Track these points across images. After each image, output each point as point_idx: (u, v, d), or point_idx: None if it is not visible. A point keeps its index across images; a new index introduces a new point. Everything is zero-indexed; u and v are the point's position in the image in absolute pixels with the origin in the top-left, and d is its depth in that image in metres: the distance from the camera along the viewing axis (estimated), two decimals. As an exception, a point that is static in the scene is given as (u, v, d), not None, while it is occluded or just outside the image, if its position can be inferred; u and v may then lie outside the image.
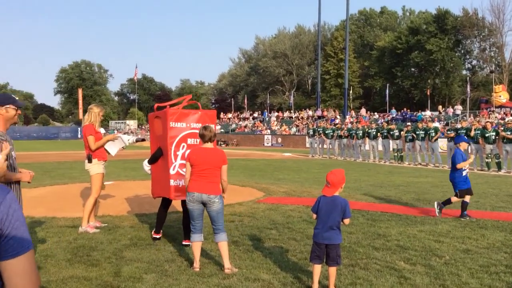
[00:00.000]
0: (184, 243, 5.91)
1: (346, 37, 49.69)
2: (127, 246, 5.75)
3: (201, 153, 4.94)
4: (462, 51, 60.98)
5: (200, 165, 4.87)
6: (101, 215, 7.62)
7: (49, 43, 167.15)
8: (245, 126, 50.00)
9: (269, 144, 42.35)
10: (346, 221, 4.23)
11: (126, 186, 10.89)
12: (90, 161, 6.61)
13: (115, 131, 65.85)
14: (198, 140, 5.76)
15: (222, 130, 50.55)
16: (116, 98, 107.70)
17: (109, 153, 6.89)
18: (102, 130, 11.28)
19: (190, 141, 5.90)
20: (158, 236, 6.04)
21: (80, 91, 65.62)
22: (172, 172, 5.82)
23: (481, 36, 57.76)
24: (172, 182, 5.82)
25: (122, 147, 7.02)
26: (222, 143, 44.51)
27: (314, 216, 4.32)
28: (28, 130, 69.79)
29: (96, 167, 6.64)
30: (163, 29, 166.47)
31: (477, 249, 5.71)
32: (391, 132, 21.01)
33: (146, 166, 6.36)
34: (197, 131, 5.74)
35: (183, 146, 5.86)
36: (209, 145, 5.03)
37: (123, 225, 6.93)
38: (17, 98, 3.94)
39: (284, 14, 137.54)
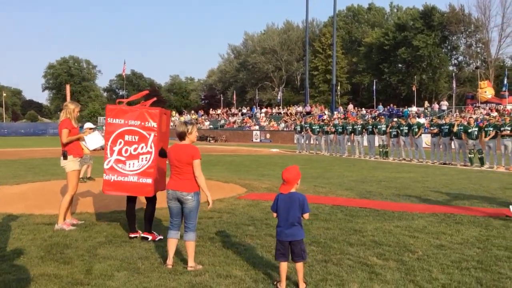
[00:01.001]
0: (131, 235, 6.00)
1: (334, 33, 49.84)
2: (102, 243, 5.73)
3: (174, 150, 4.95)
4: (449, 47, 61.51)
5: (174, 162, 4.90)
6: (79, 212, 7.59)
7: (37, 38, 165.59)
8: (234, 122, 49.99)
9: (258, 140, 42.42)
10: (306, 215, 4.24)
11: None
12: (65, 157, 6.56)
13: (103, 128, 65.56)
14: (137, 137, 5.88)
15: (211, 126, 50.51)
16: (105, 94, 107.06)
17: (87, 148, 6.90)
18: (91, 125, 11.27)
19: (127, 137, 5.92)
20: (134, 235, 6.02)
21: (68, 87, 64.41)
22: (106, 166, 5.93)
23: (468, 32, 58.30)
24: (104, 176, 5.95)
25: (101, 147, 6.98)
26: (211, 139, 44.48)
27: (274, 214, 4.33)
28: (16, 126, 69.23)
29: (71, 164, 6.60)
30: (152, 24, 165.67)
31: (450, 245, 5.77)
32: (378, 127, 21.10)
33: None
34: (135, 128, 5.87)
35: (120, 142, 5.91)
36: (185, 142, 4.98)
37: (99, 222, 6.91)
38: None
39: (272, 10, 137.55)
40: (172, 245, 4.96)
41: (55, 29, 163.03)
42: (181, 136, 4.96)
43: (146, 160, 5.89)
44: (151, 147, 5.89)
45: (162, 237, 5.88)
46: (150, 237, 5.92)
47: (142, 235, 5.99)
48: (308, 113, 45.48)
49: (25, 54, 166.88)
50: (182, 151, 4.89)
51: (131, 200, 6.25)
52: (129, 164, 5.92)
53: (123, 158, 5.93)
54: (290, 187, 4.23)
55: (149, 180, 5.89)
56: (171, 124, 6.16)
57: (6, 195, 9.06)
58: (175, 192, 4.87)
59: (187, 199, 4.85)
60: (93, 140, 6.99)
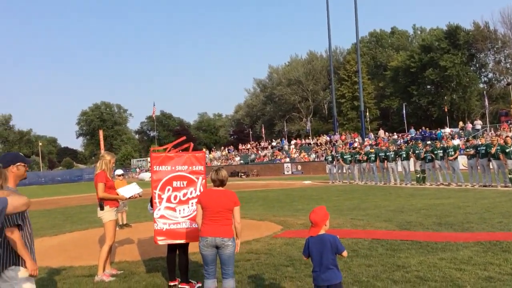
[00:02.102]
0: (170, 284, 5.91)
1: (358, 59, 49.87)
2: (142, 294, 5.72)
3: (211, 195, 4.87)
4: (477, 65, 60.53)
5: (211, 208, 4.80)
6: (118, 261, 7.62)
7: (69, 88, 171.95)
8: (265, 156, 50.02)
9: (289, 172, 42.20)
10: (344, 254, 4.12)
11: (145, 228, 10.89)
12: (102, 208, 6.67)
13: (137, 170, 66.87)
14: (185, 182, 5.87)
15: (242, 161, 50.65)
16: (136, 136, 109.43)
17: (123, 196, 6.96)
18: (120, 171, 11.48)
19: (175, 183, 5.92)
20: (174, 284, 5.98)
21: (101, 132, 66.89)
22: (155, 215, 5.87)
23: (495, 49, 57.35)
24: (155, 226, 5.87)
25: (139, 194, 7.07)
26: (242, 174, 44.54)
27: (305, 258, 4.24)
28: (52, 174, 71.21)
29: (108, 214, 6.70)
30: (178, 65, 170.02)
31: (500, 276, 5.50)
32: (416, 152, 20.64)
33: (150, 210, 6.36)
34: (183, 173, 5.87)
35: (169, 189, 5.89)
36: (220, 188, 4.98)
37: (138, 271, 6.91)
38: (23, 156, 4.16)
39: (295, 41, 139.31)
40: None
41: (86, 77, 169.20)
42: (222, 184, 4.95)
43: (196, 205, 5.82)
44: (200, 191, 5.87)
45: (200, 285, 5.81)
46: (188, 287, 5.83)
47: (179, 286, 5.88)
48: (337, 141, 45.16)
49: (58, 102, 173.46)
50: (223, 197, 4.84)
51: (173, 248, 6.12)
52: (179, 210, 5.89)
53: (172, 205, 5.90)
54: (319, 229, 4.13)
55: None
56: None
57: (46, 247, 9.21)
58: (214, 238, 4.75)
59: (227, 245, 4.76)
60: (129, 190, 7.05)
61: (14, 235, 3.59)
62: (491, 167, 17.47)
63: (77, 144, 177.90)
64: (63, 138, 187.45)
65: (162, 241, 5.92)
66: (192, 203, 5.86)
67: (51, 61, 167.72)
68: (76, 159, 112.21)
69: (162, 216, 5.88)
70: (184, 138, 6.70)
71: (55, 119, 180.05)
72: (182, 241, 5.96)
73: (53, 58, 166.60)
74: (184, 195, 5.90)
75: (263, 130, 63.38)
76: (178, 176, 5.93)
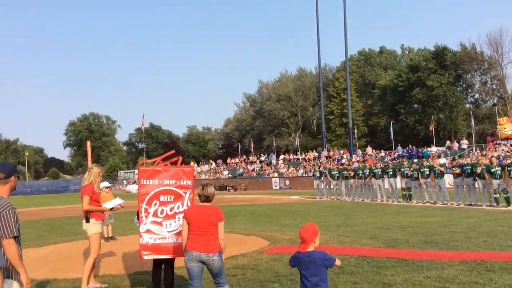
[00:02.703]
0: None
1: (347, 77, 50.41)
2: (126, 308, 5.66)
3: (197, 211, 4.97)
4: (464, 85, 61.50)
5: (196, 223, 4.88)
6: (102, 274, 7.55)
7: (57, 97, 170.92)
8: (253, 170, 50.00)
9: (277, 187, 42.22)
10: (337, 263, 4.12)
11: (130, 241, 10.79)
12: (88, 221, 6.63)
13: (124, 182, 66.39)
14: (172, 196, 5.83)
15: (230, 175, 50.57)
16: (124, 148, 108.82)
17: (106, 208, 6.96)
18: (107, 184, 11.40)
19: (162, 198, 5.88)
20: None
21: (88, 143, 66.41)
22: (141, 229, 5.83)
23: (481, 70, 58.36)
24: (141, 240, 5.82)
25: (120, 205, 7.07)
26: (230, 188, 44.44)
27: (290, 266, 4.27)
28: (38, 184, 70.44)
29: (94, 227, 6.65)
30: (168, 77, 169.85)
31: (484, 295, 5.55)
32: (402, 169, 20.84)
33: (137, 222, 6.33)
34: (171, 188, 5.83)
35: (155, 203, 5.85)
36: (205, 203, 5.07)
37: (123, 285, 6.84)
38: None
39: (285, 57, 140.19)
40: None
41: (75, 87, 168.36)
42: (208, 200, 5.05)
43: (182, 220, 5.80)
44: (187, 206, 5.83)
45: None
46: None
47: None
48: (326, 157, 45.36)
49: (46, 112, 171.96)
50: (209, 212, 4.94)
51: (159, 263, 6.06)
52: (165, 225, 5.83)
53: (159, 220, 5.84)
54: (307, 245, 4.15)
55: None
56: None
57: (30, 259, 9.05)
58: (199, 254, 4.83)
59: (213, 260, 4.85)
60: (111, 202, 7.06)
61: (12, 247, 3.54)
62: (476, 186, 17.67)
63: (64, 154, 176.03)
64: (50, 148, 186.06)
65: (147, 256, 5.85)
66: (179, 217, 5.80)
67: (40, 69, 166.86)
68: (62, 170, 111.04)
69: (148, 231, 5.82)
70: (173, 151, 6.67)
71: (42, 129, 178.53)
72: (168, 256, 5.90)
73: (41, 66, 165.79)
74: (171, 209, 5.85)
75: (252, 144, 63.44)
76: (166, 190, 5.89)
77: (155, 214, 5.84)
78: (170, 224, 5.84)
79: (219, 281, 4.99)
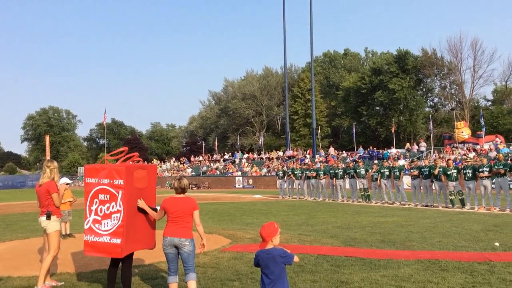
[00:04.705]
0: None
1: (312, 78, 50.97)
2: (83, 307, 5.56)
3: (173, 202, 5.49)
4: (424, 90, 63.27)
5: (173, 212, 5.41)
6: (59, 272, 7.37)
7: (15, 90, 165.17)
8: (216, 168, 49.87)
9: (241, 186, 42.28)
10: (295, 259, 4.22)
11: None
12: (49, 218, 6.48)
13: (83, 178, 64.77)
14: (108, 195, 5.76)
15: (194, 173, 50.26)
16: (85, 144, 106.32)
17: None
18: (67, 180, 11.11)
19: (101, 196, 5.80)
20: None
21: (47, 138, 64.47)
22: (85, 226, 5.83)
23: (441, 75, 60.20)
24: (84, 237, 5.83)
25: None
26: (193, 186, 44.19)
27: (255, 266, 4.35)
28: (-8, 179, 67.86)
29: (55, 224, 6.55)
30: (132, 72, 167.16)
31: (437, 293, 5.74)
32: (357, 171, 21.33)
33: None
34: (106, 187, 5.77)
35: (96, 202, 5.81)
36: (181, 195, 5.56)
37: (80, 283, 6.71)
38: None
39: (251, 57, 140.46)
40: None
41: (34, 80, 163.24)
42: (183, 191, 5.53)
43: (117, 219, 5.69)
44: (120, 206, 5.69)
45: None
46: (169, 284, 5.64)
47: None
48: (290, 157, 45.75)
49: (3, 105, 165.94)
50: (184, 203, 5.47)
51: (116, 262, 5.96)
52: (104, 223, 5.75)
53: (99, 218, 5.78)
54: (266, 243, 4.24)
55: (118, 241, 5.63)
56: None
57: (-18, 256, 8.78)
58: (172, 239, 5.33)
59: (184, 245, 5.33)
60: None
61: None
62: (433, 188, 18.24)
63: (21, 149, 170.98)
64: (7, 142, 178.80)
65: (89, 253, 5.86)
66: (114, 217, 5.71)
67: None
68: (19, 165, 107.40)
69: (90, 228, 5.80)
70: (126, 149, 6.54)
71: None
72: (101, 255, 5.86)
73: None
74: (108, 208, 5.76)
75: (216, 142, 63.29)
76: (103, 189, 5.81)
77: (96, 213, 5.80)
78: (107, 223, 5.74)
79: (188, 267, 5.37)
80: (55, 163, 6.82)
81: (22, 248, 9.83)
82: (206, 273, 7.13)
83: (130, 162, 6.32)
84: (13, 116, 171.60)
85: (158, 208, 5.73)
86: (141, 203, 5.81)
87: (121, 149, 6.52)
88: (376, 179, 20.12)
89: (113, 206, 5.74)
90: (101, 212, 5.79)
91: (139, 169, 6.06)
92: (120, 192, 5.70)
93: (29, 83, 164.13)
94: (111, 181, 5.76)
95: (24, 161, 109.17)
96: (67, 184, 11.02)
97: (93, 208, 5.82)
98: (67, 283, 6.71)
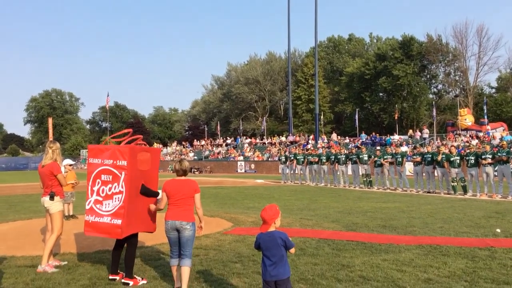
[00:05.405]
0: (110, 277, 5.87)
1: (316, 63, 50.64)
2: (86, 286, 5.60)
3: (174, 184, 5.38)
4: (428, 76, 62.84)
5: (174, 195, 5.32)
6: (62, 252, 7.43)
7: (18, 72, 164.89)
8: (219, 153, 49.92)
9: (243, 171, 42.34)
10: (292, 250, 4.25)
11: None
12: (52, 198, 6.53)
13: (86, 160, 64.85)
14: (111, 176, 5.78)
15: (196, 157, 50.36)
16: (88, 127, 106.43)
17: None
18: (70, 161, 11.14)
19: (103, 177, 5.83)
20: (114, 277, 5.86)
21: (50, 120, 64.50)
22: (87, 207, 5.86)
23: (446, 61, 59.73)
24: (85, 217, 5.88)
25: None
26: (195, 170, 44.29)
27: (256, 249, 4.35)
28: (-5, 161, 68.13)
29: (58, 205, 6.62)
30: (135, 56, 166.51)
31: (438, 278, 5.77)
32: (360, 157, 21.30)
33: None
34: (109, 168, 5.80)
35: (98, 182, 5.84)
36: (182, 177, 5.44)
37: (83, 263, 6.76)
38: None
39: (255, 41, 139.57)
40: (177, 272, 5.38)
41: (37, 61, 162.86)
42: (184, 174, 5.42)
43: (118, 200, 5.70)
44: (122, 187, 5.70)
45: (146, 282, 5.75)
46: (131, 283, 5.65)
47: (123, 280, 5.72)
48: (292, 142, 45.72)
49: (6, 87, 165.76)
50: (185, 185, 5.37)
51: (121, 244, 5.99)
52: (105, 204, 5.78)
53: (100, 199, 5.82)
54: (268, 226, 4.23)
55: (119, 221, 5.65)
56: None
57: (-14, 236, 8.85)
58: (174, 222, 5.26)
59: (185, 228, 5.25)
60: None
61: None
62: (435, 174, 18.22)
63: (24, 131, 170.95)
64: (10, 124, 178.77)
65: (89, 233, 5.91)
66: (116, 198, 5.73)
67: (1, 42, 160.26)
68: (22, 147, 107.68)
69: (91, 208, 5.85)
70: (130, 130, 6.55)
71: (2, 104, 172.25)
72: (105, 236, 5.90)
73: (2, 39, 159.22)
74: (110, 189, 5.78)
75: (218, 127, 63.24)
76: (105, 170, 5.83)
77: (98, 193, 5.84)
78: (108, 204, 5.77)
79: (184, 252, 5.28)
80: (58, 144, 6.83)
81: (25, 228, 9.90)
82: (208, 255, 7.17)
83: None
84: (16, 98, 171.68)
85: (160, 191, 5.72)
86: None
87: (125, 130, 6.53)
88: (379, 165, 20.06)
89: (115, 187, 5.75)
90: (103, 192, 5.81)
91: (142, 152, 6.07)
92: (123, 173, 5.71)
93: (33, 65, 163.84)
94: (114, 162, 5.77)
95: (27, 143, 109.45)
96: (70, 165, 11.04)
97: (95, 188, 5.85)
98: (70, 263, 6.77)
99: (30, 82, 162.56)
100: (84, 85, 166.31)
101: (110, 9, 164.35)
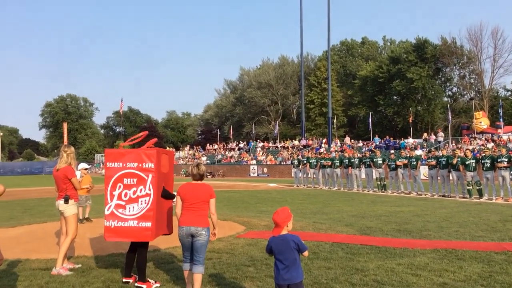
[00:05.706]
0: (124, 280, 5.86)
1: (329, 66, 50.49)
2: (99, 289, 5.62)
3: (190, 188, 5.26)
4: (443, 79, 62.29)
5: (189, 200, 5.19)
6: (76, 255, 7.47)
7: (34, 77, 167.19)
8: (231, 157, 49.98)
9: (255, 175, 42.32)
10: (305, 254, 4.20)
11: (105, 223, 10.71)
12: (67, 202, 6.58)
13: (101, 165, 65.59)
14: (135, 179, 5.75)
15: (208, 161, 50.46)
16: (102, 131, 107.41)
17: None
18: (86, 165, 11.24)
19: (126, 181, 5.77)
20: (127, 280, 5.88)
21: (65, 125, 65.36)
22: (106, 212, 5.77)
23: (460, 64, 59.17)
24: (105, 223, 5.78)
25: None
26: (208, 174, 44.36)
27: (268, 254, 4.32)
28: (12, 165, 69.09)
29: (72, 208, 6.67)
30: (149, 61, 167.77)
31: (453, 283, 5.68)
32: (374, 160, 21.14)
33: None
34: (133, 171, 5.75)
35: (119, 186, 5.77)
36: (198, 181, 5.36)
37: (97, 266, 6.80)
38: None
39: (267, 45, 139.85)
40: (189, 276, 5.32)
41: (53, 67, 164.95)
42: (201, 178, 5.34)
43: (145, 203, 5.68)
44: (149, 189, 5.70)
45: (159, 285, 5.75)
46: (144, 286, 5.66)
47: (136, 284, 5.73)
48: (305, 146, 45.59)
49: (22, 92, 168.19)
50: (201, 190, 5.26)
51: (134, 248, 5.99)
52: (129, 208, 5.73)
53: (123, 203, 5.75)
54: (281, 229, 4.19)
55: (149, 224, 5.65)
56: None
57: (1, 239, 8.93)
58: (189, 228, 5.14)
59: (201, 234, 5.14)
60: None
61: None
62: (451, 178, 18.02)
63: (39, 136, 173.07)
64: (25, 129, 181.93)
65: (110, 238, 5.82)
66: (141, 201, 5.71)
67: (17, 48, 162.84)
68: (37, 151, 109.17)
69: (112, 213, 5.75)
70: (146, 133, 6.57)
71: (17, 109, 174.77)
72: (130, 240, 5.86)
73: (19, 45, 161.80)
74: (134, 192, 5.74)
75: (231, 131, 63.33)
76: (129, 173, 5.77)
77: (119, 197, 5.76)
78: (133, 207, 5.73)
79: (197, 258, 5.17)
80: (72, 148, 6.89)
81: (40, 232, 9.99)
82: (221, 259, 7.16)
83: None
84: (31, 104, 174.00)
85: (175, 193, 5.70)
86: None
87: (141, 134, 6.57)
88: (393, 169, 19.88)
89: (140, 190, 5.73)
90: (125, 196, 5.75)
91: (164, 154, 6.12)
92: (150, 175, 5.72)
93: (47, 71, 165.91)
94: (140, 165, 5.76)
95: (42, 147, 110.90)
96: (86, 169, 11.14)
97: (116, 193, 5.77)
98: (84, 265, 6.81)
99: (45, 87, 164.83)
100: (98, 90, 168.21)
101: (124, 15, 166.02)
